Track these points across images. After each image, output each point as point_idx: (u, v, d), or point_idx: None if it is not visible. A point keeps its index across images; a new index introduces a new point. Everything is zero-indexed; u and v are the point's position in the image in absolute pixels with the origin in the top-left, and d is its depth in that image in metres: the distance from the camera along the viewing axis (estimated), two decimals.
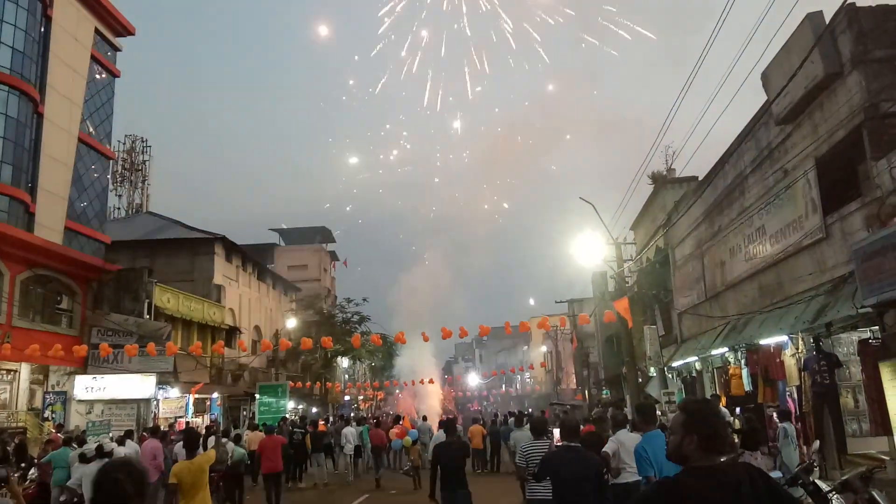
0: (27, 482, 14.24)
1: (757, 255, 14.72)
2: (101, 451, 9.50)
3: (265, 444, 14.39)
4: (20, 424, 20.20)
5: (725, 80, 11.23)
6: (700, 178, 19.48)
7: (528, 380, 75.29)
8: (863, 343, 10.22)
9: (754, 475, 2.51)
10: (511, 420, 20.74)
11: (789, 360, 12.14)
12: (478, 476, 18.99)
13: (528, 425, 17.57)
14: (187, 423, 23.30)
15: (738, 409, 14.21)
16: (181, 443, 13.13)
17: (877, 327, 9.77)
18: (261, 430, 17.65)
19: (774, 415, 12.41)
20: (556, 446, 7.50)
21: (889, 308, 9.13)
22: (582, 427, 11.01)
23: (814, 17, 11.19)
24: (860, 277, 9.41)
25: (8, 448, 16.34)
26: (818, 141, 11.65)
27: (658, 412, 15.96)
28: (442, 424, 12.74)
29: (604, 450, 7.55)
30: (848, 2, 8.30)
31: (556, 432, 11.15)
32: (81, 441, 14.68)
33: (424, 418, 25.74)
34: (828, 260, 11.73)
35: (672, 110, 12.57)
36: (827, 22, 10.93)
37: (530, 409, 37.19)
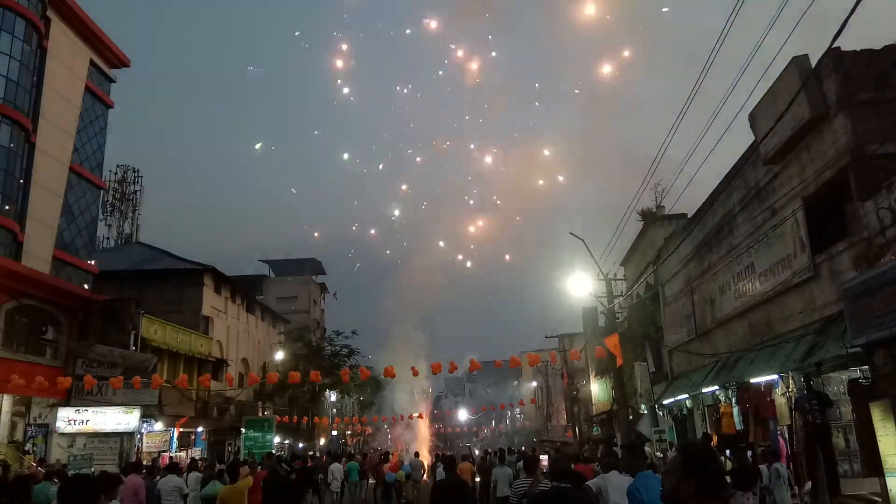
0: None
1: (746, 293, 14.76)
2: None
3: None
4: (0, 458, 19.75)
5: (713, 119, 11.41)
6: (689, 216, 19.63)
7: (519, 415, 74.60)
8: (853, 383, 10.20)
9: None
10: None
11: (780, 399, 12.10)
12: None
13: (509, 462, 17.74)
14: (171, 457, 22.84)
15: (727, 451, 14.10)
16: (167, 477, 12.94)
17: (866, 367, 9.77)
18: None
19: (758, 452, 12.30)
20: (543, 486, 7.40)
21: (878, 348, 9.14)
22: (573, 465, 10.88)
23: (800, 61, 11.41)
24: (849, 317, 9.44)
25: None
26: (805, 181, 11.79)
27: (657, 451, 15.89)
28: (442, 461, 12.78)
29: (587, 483, 7.47)
30: (833, 46, 8.47)
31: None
32: (63, 475, 14.35)
33: (417, 454, 25.44)
34: (817, 299, 11.77)
35: (662, 148, 12.74)
36: (813, 65, 11.14)
37: (523, 447, 36.82)
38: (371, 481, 22.51)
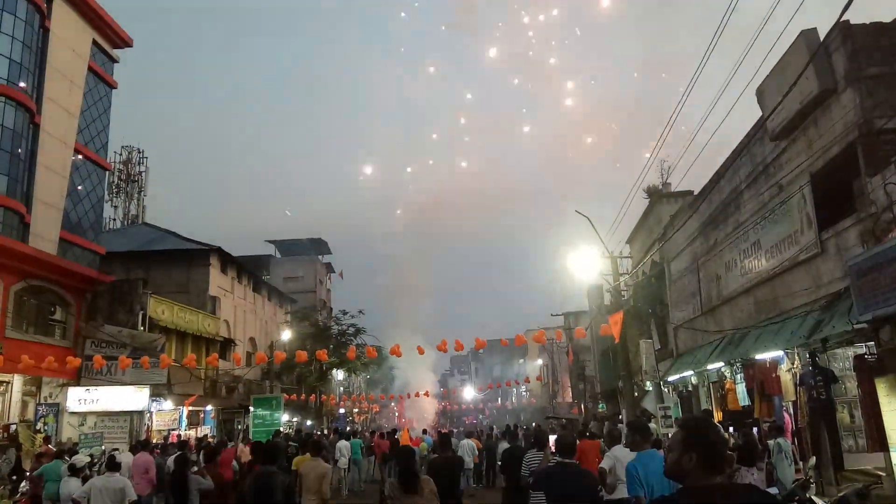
0: (18, 495, 14.12)
1: (752, 269, 14.73)
2: (112, 463, 9.57)
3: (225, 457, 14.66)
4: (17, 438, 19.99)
5: (721, 94, 11.29)
6: (696, 193, 19.54)
7: (524, 393, 75.04)
8: (859, 359, 10.21)
9: (755, 497, 2.48)
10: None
11: (785, 376, 12.12)
12: (473, 490, 18.92)
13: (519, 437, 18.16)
14: (179, 435, 23.11)
15: (731, 429, 14.16)
16: (175, 456, 13.15)
17: (872, 343, 9.77)
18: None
19: (764, 427, 12.37)
20: (550, 463, 7.48)
21: (884, 324, 9.13)
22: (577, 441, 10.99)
23: (808, 34, 11.26)
24: (855, 293, 9.42)
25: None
26: (813, 157, 11.70)
27: (662, 427, 16.00)
28: (437, 438, 13.24)
29: (600, 466, 7.54)
30: (842, 19, 8.35)
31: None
32: (73, 453, 14.57)
33: (425, 431, 25.69)
34: (823, 275, 11.75)
35: (669, 123, 12.64)
36: (821, 39, 11.00)
37: (534, 423, 37.22)
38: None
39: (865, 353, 10.08)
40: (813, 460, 10.63)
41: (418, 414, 58.65)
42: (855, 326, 9.59)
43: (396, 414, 71.62)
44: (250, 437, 25.12)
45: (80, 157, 25.47)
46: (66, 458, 13.27)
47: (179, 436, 22.53)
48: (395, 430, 26.06)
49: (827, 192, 11.67)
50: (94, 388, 22.73)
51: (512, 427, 22.56)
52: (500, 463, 15.56)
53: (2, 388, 21.21)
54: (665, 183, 24.19)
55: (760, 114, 13.45)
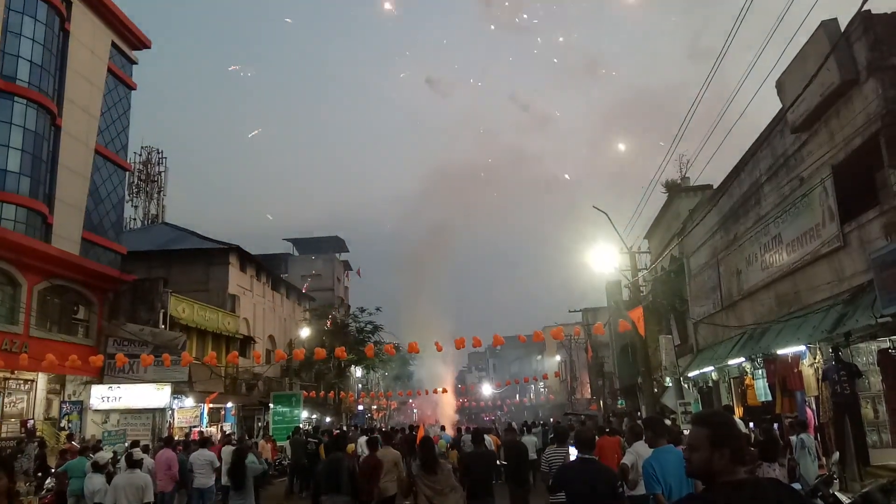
0: (44, 491, 14.36)
1: (773, 263, 14.58)
2: (130, 461, 9.70)
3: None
4: (38, 434, 20.31)
5: (740, 86, 11.17)
6: (715, 187, 19.36)
7: (542, 389, 74.88)
8: (883, 353, 10.07)
9: (781, 491, 2.47)
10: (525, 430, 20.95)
11: (808, 371, 11.98)
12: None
13: (534, 433, 18.12)
14: (201, 432, 23.35)
15: (751, 424, 14.03)
16: (199, 451, 13.29)
17: None
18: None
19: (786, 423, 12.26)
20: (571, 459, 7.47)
21: None
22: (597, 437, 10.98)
23: (828, 25, 11.10)
24: (879, 286, 9.29)
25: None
26: (835, 149, 11.54)
27: (682, 424, 15.90)
28: (471, 434, 13.39)
29: (622, 461, 7.52)
30: (863, 9, 8.22)
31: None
32: (97, 450, 14.79)
33: (443, 428, 25.68)
34: (846, 269, 11.60)
35: (687, 117, 12.53)
36: (842, 29, 10.84)
37: (552, 419, 37.15)
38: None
39: (889, 348, 9.94)
40: (836, 456, 10.51)
41: (438, 410, 58.62)
42: (879, 320, 9.45)
43: (416, 411, 71.75)
44: (270, 433, 25.35)
45: (100, 157, 25.76)
46: (90, 455, 13.47)
47: (201, 432, 22.74)
48: (412, 427, 26.15)
49: (849, 184, 11.50)
50: (116, 385, 23.03)
51: (531, 422, 22.54)
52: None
53: (27, 386, 21.54)
54: (684, 177, 23.99)
55: (780, 106, 13.30)
